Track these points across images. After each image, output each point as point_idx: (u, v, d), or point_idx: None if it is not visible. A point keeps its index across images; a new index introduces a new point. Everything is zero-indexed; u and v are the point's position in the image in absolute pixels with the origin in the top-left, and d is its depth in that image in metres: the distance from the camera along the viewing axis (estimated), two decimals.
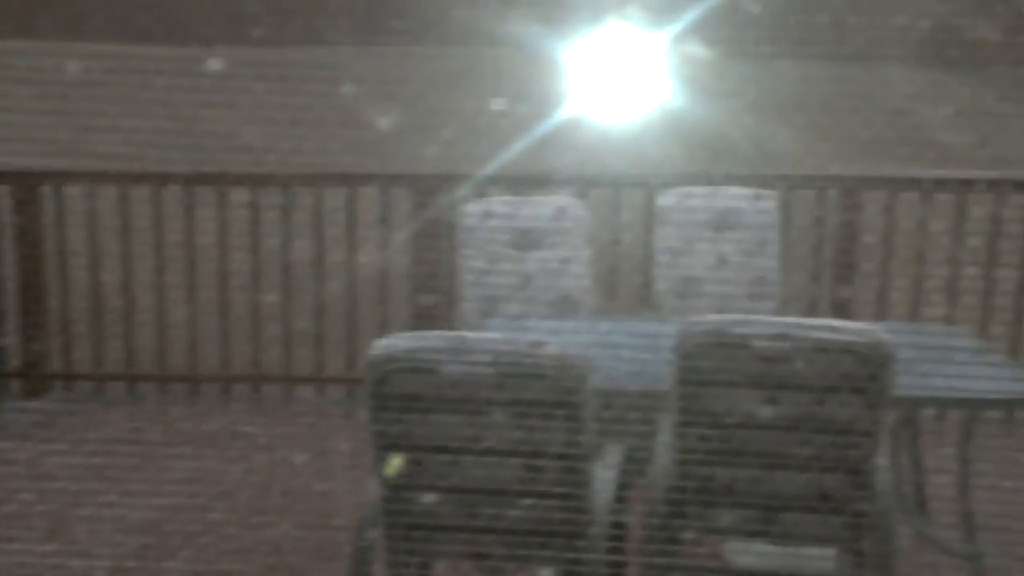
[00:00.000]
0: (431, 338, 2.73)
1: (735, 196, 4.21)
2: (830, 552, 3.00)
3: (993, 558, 3.43)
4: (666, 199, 4.21)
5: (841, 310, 4.64)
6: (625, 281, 4.74)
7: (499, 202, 4.22)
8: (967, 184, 4.68)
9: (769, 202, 4.19)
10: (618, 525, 3.05)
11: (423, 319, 4.70)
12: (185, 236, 4.90)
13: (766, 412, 2.84)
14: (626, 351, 3.46)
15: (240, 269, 4.95)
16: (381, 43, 13.56)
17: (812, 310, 4.71)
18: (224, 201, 4.88)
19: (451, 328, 4.23)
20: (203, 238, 4.95)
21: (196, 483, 4.16)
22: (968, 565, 3.33)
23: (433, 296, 4.75)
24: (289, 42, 13.20)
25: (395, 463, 3.24)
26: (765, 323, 2.91)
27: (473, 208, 4.17)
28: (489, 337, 2.81)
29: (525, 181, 4.75)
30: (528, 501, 2.76)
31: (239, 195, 4.89)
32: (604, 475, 2.99)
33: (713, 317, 2.88)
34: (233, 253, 4.93)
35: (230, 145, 9.43)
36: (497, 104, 10.88)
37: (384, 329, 4.59)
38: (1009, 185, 4.68)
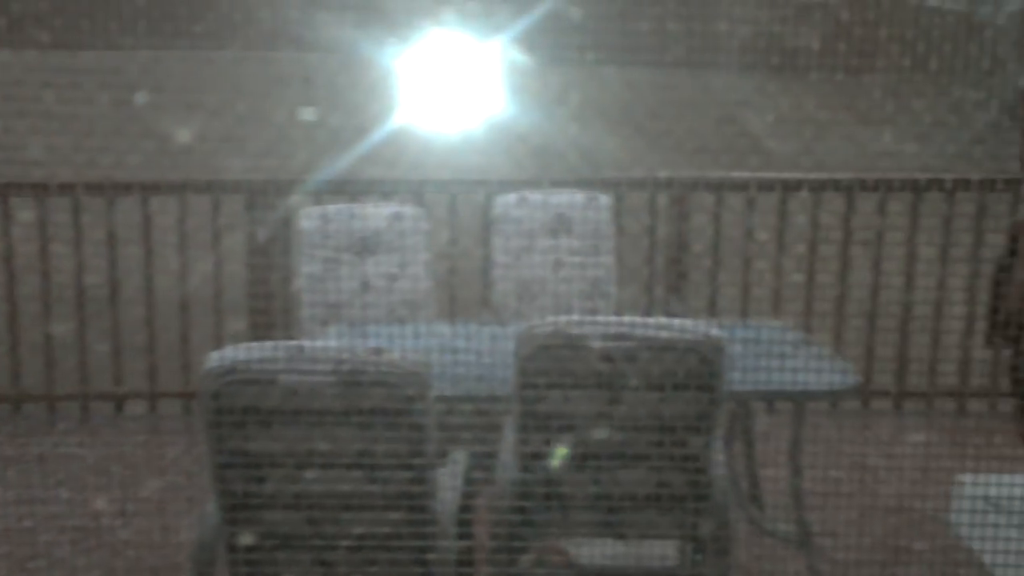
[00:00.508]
0: (268, 348, 2.67)
1: (570, 200, 4.27)
2: (671, 544, 3.07)
3: (822, 542, 3.58)
4: (503, 203, 4.24)
5: (675, 309, 4.75)
6: (464, 285, 4.75)
7: (335, 209, 4.17)
8: (793, 185, 4.87)
9: (603, 205, 4.26)
10: (465, 532, 3.05)
11: (261, 329, 4.60)
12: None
13: (606, 411, 2.88)
14: (467, 356, 3.47)
15: (65, 282, 4.76)
16: (181, 47, 13.10)
17: (648, 310, 4.81)
18: (40, 210, 4.68)
19: (290, 337, 4.15)
20: (24, 249, 4.75)
21: (24, 506, 3.97)
22: (799, 550, 3.45)
23: (269, 305, 4.66)
24: (80, 47, 12.52)
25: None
26: (603, 323, 2.96)
27: (309, 214, 4.11)
28: (328, 345, 2.77)
29: (361, 187, 4.71)
30: (372, 513, 2.73)
31: (57, 204, 4.70)
32: (449, 482, 2.99)
33: (552, 319, 2.91)
34: (58, 264, 4.73)
35: (15, 158, 8.92)
36: (310, 113, 10.73)
37: (220, 341, 4.48)
38: (830, 184, 4.89)
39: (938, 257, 4.85)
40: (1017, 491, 3.79)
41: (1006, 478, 3.86)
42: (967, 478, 3.94)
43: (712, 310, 4.79)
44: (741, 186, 4.85)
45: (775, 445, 3.56)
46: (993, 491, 3.80)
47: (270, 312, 4.67)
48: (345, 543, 2.75)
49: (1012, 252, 3.61)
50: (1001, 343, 3.68)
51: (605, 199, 4.28)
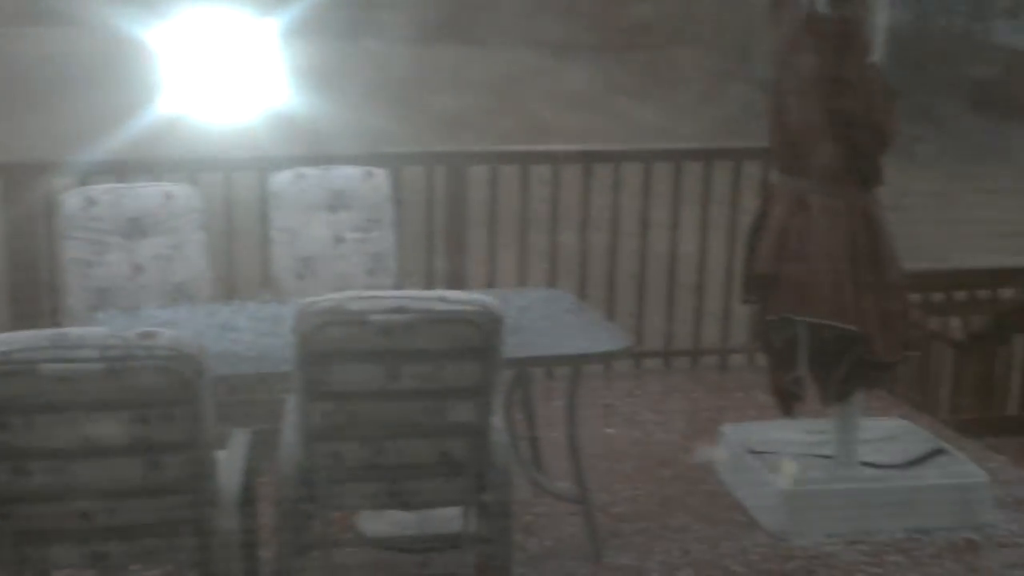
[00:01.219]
0: (26, 337, 2.57)
1: (348, 175, 4.26)
2: (456, 511, 3.15)
3: (599, 497, 3.75)
4: (279, 181, 4.20)
5: (455, 281, 4.83)
6: (243, 265, 4.68)
7: (101, 189, 4.03)
8: (563, 157, 5.02)
9: (381, 180, 4.28)
10: (249, 512, 3.04)
11: (24, 318, 4.40)
12: None
13: (388, 384, 2.93)
14: (245, 335, 3.43)
15: None
16: None
17: (429, 283, 4.87)
18: None
19: (57, 325, 3.99)
20: None
21: None
22: (579, 507, 3.60)
23: (33, 293, 4.47)
24: None
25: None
26: (381, 298, 2.99)
27: (72, 197, 3.95)
28: (94, 331, 2.69)
29: (130, 168, 4.56)
30: (150, 500, 2.68)
31: None
32: (230, 463, 2.96)
33: (330, 295, 2.93)
34: None
35: None
36: (68, 90, 10.20)
37: None
38: (599, 156, 5.08)
39: (700, 223, 5.11)
40: (776, 437, 4.07)
41: (763, 426, 4.14)
42: (728, 428, 4.20)
43: (491, 279, 4.89)
44: (516, 158, 4.97)
45: (554, 407, 3.69)
46: (752, 439, 4.07)
47: (35, 300, 4.48)
48: (121, 533, 2.69)
49: (763, 216, 3.86)
50: (753, 301, 3.93)
51: (382, 174, 4.30)
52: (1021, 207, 12.16)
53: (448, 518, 3.22)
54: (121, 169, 4.49)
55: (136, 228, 3.94)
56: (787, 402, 3.81)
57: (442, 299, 2.98)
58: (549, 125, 10.63)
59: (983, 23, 17.87)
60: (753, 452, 3.99)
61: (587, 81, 12.88)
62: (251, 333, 3.46)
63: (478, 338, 2.91)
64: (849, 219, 3.68)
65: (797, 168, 3.73)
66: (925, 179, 11.76)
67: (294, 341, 2.88)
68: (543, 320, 3.64)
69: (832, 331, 3.67)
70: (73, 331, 2.65)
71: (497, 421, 3.11)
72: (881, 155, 3.72)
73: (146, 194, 4.03)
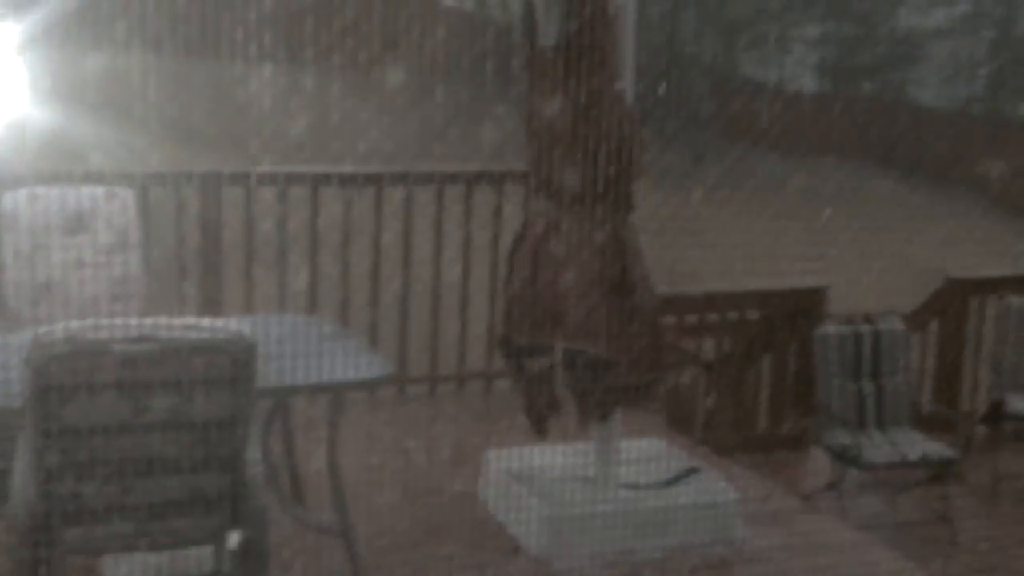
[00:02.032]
0: None
1: (89, 195, 4.02)
2: (208, 550, 2.98)
3: (362, 529, 3.64)
4: (11, 200, 3.90)
5: (210, 306, 4.63)
6: None
7: None
8: (322, 178, 4.90)
9: (126, 200, 4.05)
10: None
11: None
12: None
13: (134, 418, 2.74)
14: None
15: None
16: None
17: (181, 309, 4.64)
18: None
19: None
20: None
21: None
22: (341, 540, 3.49)
23: None
24: None
25: None
26: (124, 326, 2.81)
27: None
28: None
29: None
30: None
31: None
32: None
33: (67, 324, 2.72)
34: None
35: None
36: None
37: None
38: (360, 178, 4.99)
39: (463, 245, 5.11)
40: (538, 462, 4.08)
41: (526, 451, 4.15)
42: (492, 454, 4.19)
43: (248, 305, 4.72)
44: (272, 179, 4.82)
45: (315, 436, 3.56)
46: (515, 465, 4.07)
47: None
48: None
49: (520, 240, 3.88)
50: (510, 325, 3.94)
51: (128, 194, 4.07)
52: (769, 231, 12.88)
53: (201, 558, 3.05)
54: None
55: None
56: (542, 425, 3.84)
57: (192, 327, 2.83)
58: (308, 145, 10.44)
59: (730, 53, 18.91)
60: (517, 477, 3.99)
61: (346, 98, 12.77)
62: None
63: (230, 367, 2.77)
64: (601, 244, 3.74)
65: (551, 193, 3.77)
66: (679, 203, 12.27)
67: (27, 374, 2.66)
68: (303, 347, 3.51)
69: (587, 354, 3.72)
70: None
71: (252, 453, 2.97)
72: (631, 181, 3.80)
73: None
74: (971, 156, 17.11)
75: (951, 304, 6.01)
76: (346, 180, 4.92)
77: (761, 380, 5.77)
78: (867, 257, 11.91)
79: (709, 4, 17.61)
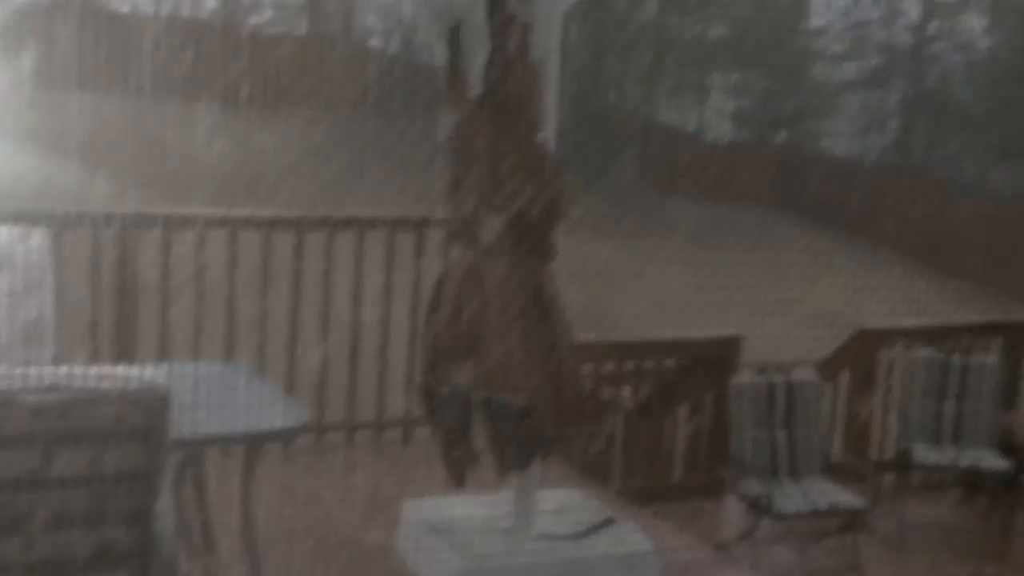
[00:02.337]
0: None
1: (3, 235, 3.92)
2: None
3: None
4: None
5: (125, 351, 4.54)
6: None
7: None
8: (242, 221, 4.86)
9: (39, 241, 3.97)
10: None
11: None
12: None
13: (40, 471, 2.67)
14: None
15: None
16: None
17: (95, 353, 4.55)
18: None
19: None
20: None
21: None
22: None
23: None
24: None
25: None
26: (34, 376, 2.74)
27: None
28: None
29: None
30: None
31: None
32: None
33: None
34: None
35: None
36: None
37: None
38: (279, 223, 4.95)
39: (383, 291, 5.09)
40: (455, 512, 4.06)
41: (443, 502, 4.12)
42: (409, 505, 4.16)
43: (163, 350, 4.64)
44: (190, 222, 4.76)
45: (229, 487, 3.50)
46: (432, 515, 4.04)
47: None
48: None
49: (440, 287, 3.89)
50: (428, 373, 3.93)
51: (41, 235, 3.98)
52: (684, 277, 13.05)
53: None
54: None
55: None
56: (460, 474, 3.82)
57: (103, 376, 2.77)
58: (224, 184, 10.33)
59: (650, 101, 19.20)
60: (434, 528, 3.96)
61: (271, 141, 12.70)
62: None
63: (142, 418, 2.71)
64: (521, 292, 3.76)
65: (472, 240, 3.78)
66: (598, 249, 12.38)
67: None
68: (217, 395, 3.46)
69: (506, 403, 3.72)
70: None
71: (164, 504, 2.91)
72: (551, 229, 3.83)
73: None
74: (883, 207, 17.57)
75: (862, 354, 6.15)
76: (266, 224, 4.88)
77: (678, 429, 5.83)
78: (781, 306, 12.13)
79: (630, 53, 17.90)
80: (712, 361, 5.77)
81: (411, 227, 5.15)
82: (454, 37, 3.87)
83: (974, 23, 20.63)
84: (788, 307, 12.10)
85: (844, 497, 5.08)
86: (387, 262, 5.08)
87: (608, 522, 4.14)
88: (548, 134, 3.84)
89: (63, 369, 2.98)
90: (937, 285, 15.13)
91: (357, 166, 11.84)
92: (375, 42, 18.06)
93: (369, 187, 10.98)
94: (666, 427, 5.74)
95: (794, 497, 5.07)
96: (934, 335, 6.27)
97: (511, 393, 3.70)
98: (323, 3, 17.48)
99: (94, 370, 2.92)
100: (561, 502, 4.25)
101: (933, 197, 17.70)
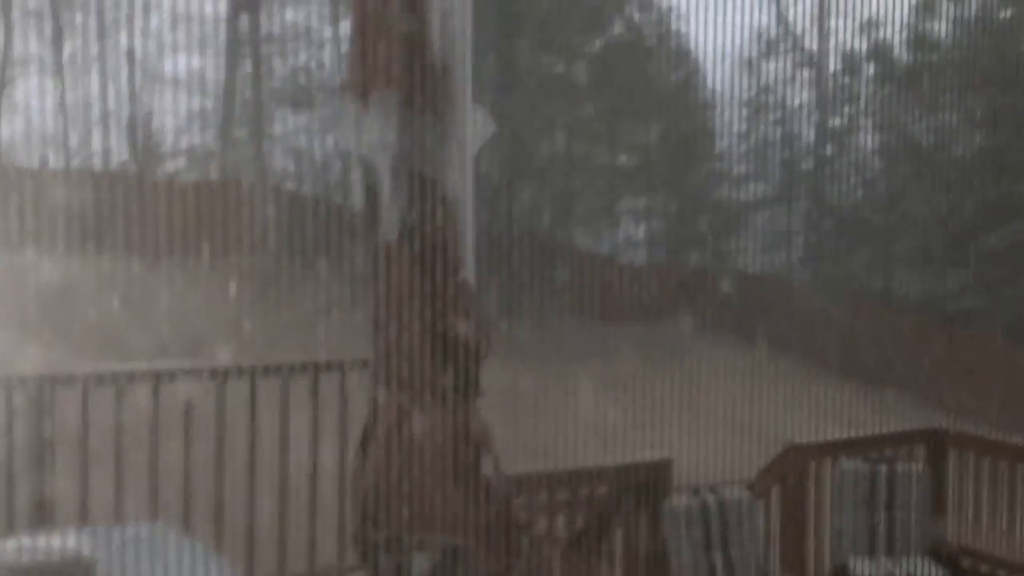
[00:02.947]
0: None
1: None
2: None
3: None
4: None
5: (43, 516, 4.39)
6: None
7: None
8: (166, 375, 4.78)
9: None
10: None
11: None
12: None
13: None
14: None
15: None
16: None
17: (9, 520, 4.38)
18: None
19: None
20: None
21: None
22: None
23: None
24: None
25: None
26: None
27: None
28: None
29: None
30: None
31: None
32: None
33: None
34: None
35: None
36: None
37: None
38: (205, 373, 4.89)
39: (311, 437, 5.02)
40: None
41: None
42: None
43: (84, 513, 4.49)
44: (110, 380, 4.67)
45: None
46: None
47: None
48: None
49: (369, 430, 3.86)
50: (363, 520, 3.87)
51: None
52: (609, 400, 13.09)
53: None
54: None
55: None
56: None
57: (23, 548, 2.67)
58: (159, 339, 10.19)
59: (564, 226, 19.53)
60: None
61: (186, 289, 12.59)
62: None
63: None
64: (450, 431, 3.75)
65: (398, 382, 3.77)
66: (521, 378, 12.40)
67: None
68: (146, 561, 3.35)
69: (441, 544, 3.66)
70: None
71: None
72: (477, 366, 3.84)
73: None
74: (799, 320, 17.95)
75: (791, 470, 6.19)
76: (189, 376, 4.81)
77: (615, 557, 5.76)
78: (710, 423, 12.20)
79: (542, 181, 18.27)
80: (645, 485, 5.75)
81: (336, 370, 5.11)
82: (370, 179, 3.92)
83: (866, 143, 21.53)
84: (716, 424, 12.18)
85: None
86: (313, 407, 5.02)
87: None
88: (468, 270, 3.87)
89: None
90: (859, 395, 15.40)
91: (277, 311, 11.79)
92: (290, 185, 18.20)
93: (291, 331, 10.91)
94: (603, 555, 5.67)
95: None
96: (860, 446, 6.34)
97: (445, 534, 3.65)
98: (236, 148, 17.61)
99: (11, 542, 2.81)
100: None
101: (846, 309, 18.15)
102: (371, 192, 3.91)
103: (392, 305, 3.81)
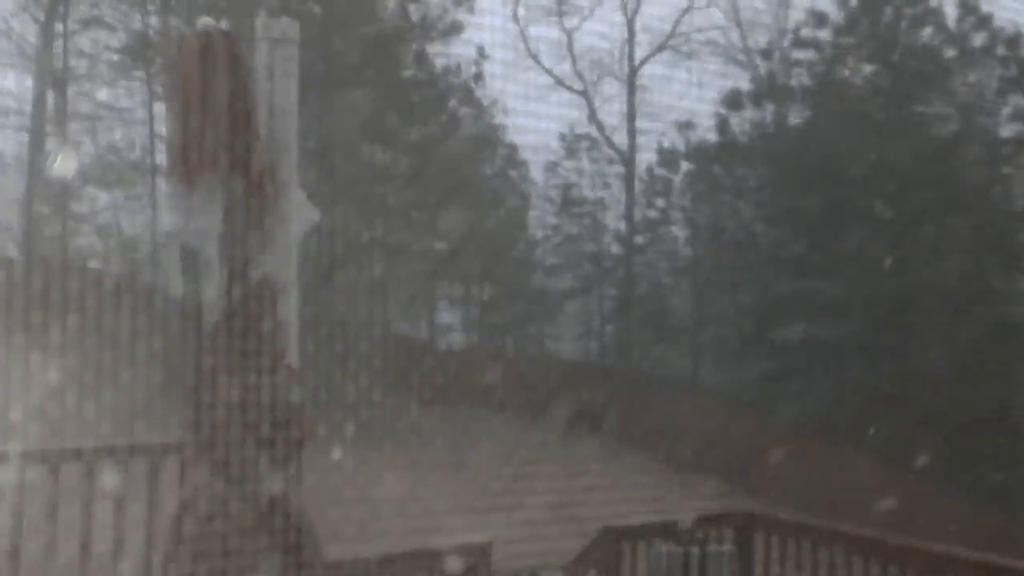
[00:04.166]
0: None
1: None
2: None
3: None
4: None
5: None
6: None
7: None
8: None
9: None
10: None
11: None
12: None
13: None
14: None
15: None
16: None
17: None
18: None
19: None
20: None
21: None
22: None
23: None
24: None
25: None
26: None
27: None
28: None
29: None
30: None
31: None
32: None
33: None
34: None
35: None
36: None
37: None
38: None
39: (116, 523, 4.80)
40: None
41: None
42: None
43: None
44: None
45: None
46: None
47: None
48: None
49: (183, 513, 3.75)
50: None
51: None
52: (429, 484, 13.01)
53: None
54: None
55: None
56: None
57: None
58: None
59: (385, 313, 19.48)
60: None
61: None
62: None
63: None
64: (267, 515, 3.68)
65: (215, 465, 3.70)
66: (350, 463, 12.20)
67: None
68: None
69: None
70: None
71: None
72: (299, 450, 3.81)
73: None
74: (613, 406, 18.36)
75: (607, 553, 6.29)
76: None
77: None
78: (524, 507, 12.27)
79: (362, 266, 18.23)
80: (465, 570, 5.73)
81: (147, 453, 4.93)
82: (192, 263, 3.85)
83: (677, 233, 22.43)
84: (536, 508, 12.26)
85: None
86: (124, 490, 4.81)
87: None
88: (291, 354, 3.84)
89: None
90: (671, 479, 15.80)
91: (86, 394, 11.30)
92: (95, 264, 17.57)
93: (104, 416, 10.48)
94: None
95: None
96: (673, 529, 6.50)
97: None
98: (37, 225, 16.93)
99: None
100: None
101: (657, 396, 18.70)
102: (192, 275, 3.85)
103: (212, 388, 3.74)
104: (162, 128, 17.00)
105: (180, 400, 3.87)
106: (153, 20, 17.96)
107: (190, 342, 3.83)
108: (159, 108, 17.62)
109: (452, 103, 19.70)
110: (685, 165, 21.97)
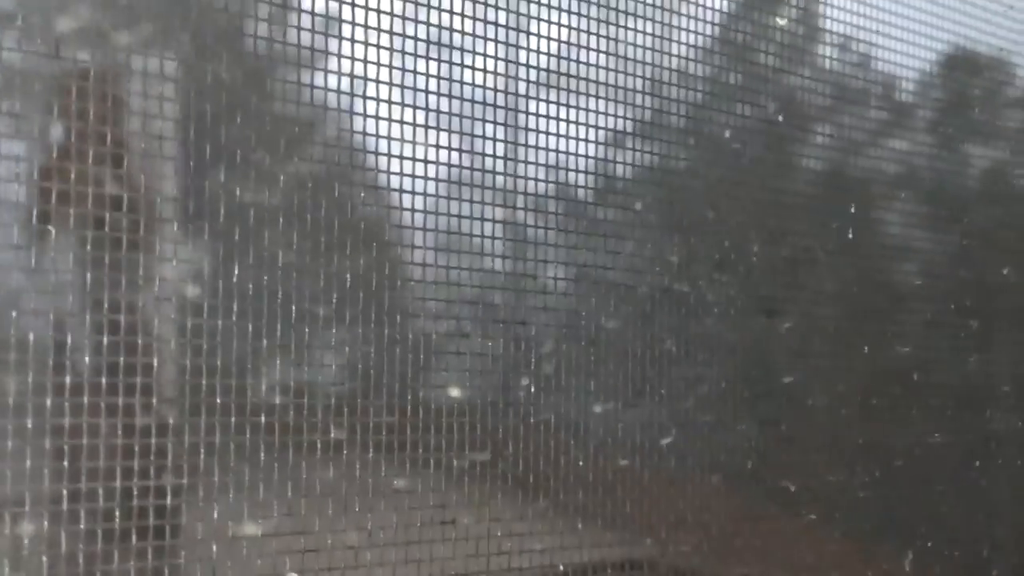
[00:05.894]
0: None
1: None
2: None
3: None
4: None
5: None
6: None
7: None
8: None
9: None
10: None
11: None
12: None
13: None
14: None
15: None
16: None
17: None
18: None
19: None
20: None
21: None
22: None
23: None
24: None
25: None
26: None
27: None
28: None
29: None
30: None
31: None
32: None
33: None
34: None
35: None
36: None
37: None
38: None
39: None
40: None
41: None
42: None
43: None
44: None
45: None
46: None
47: None
48: None
49: None
50: None
51: None
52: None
53: None
54: None
55: None
56: None
57: None
58: None
59: (269, 367, 18.77)
60: None
61: None
62: None
63: None
64: None
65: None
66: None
67: None
68: None
69: None
70: None
71: None
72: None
73: None
74: (499, 451, 17.86)
75: None
76: None
77: None
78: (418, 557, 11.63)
79: (245, 312, 17.48)
80: None
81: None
82: (61, 318, 3.31)
83: (555, 286, 22.12)
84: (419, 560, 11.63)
85: None
86: None
87: None
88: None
89: None
90: (562, 523, 15.37)
91: None
92: None
93: None
94: None
95: None
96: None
97: None
98: None
99: None
100: None
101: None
102: (62, 331, 3.30)
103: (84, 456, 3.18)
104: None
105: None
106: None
107: (58, 405, 3.26)
108: (19, 147, 16.63)
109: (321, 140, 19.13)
110: (561, 208, 21.73)
